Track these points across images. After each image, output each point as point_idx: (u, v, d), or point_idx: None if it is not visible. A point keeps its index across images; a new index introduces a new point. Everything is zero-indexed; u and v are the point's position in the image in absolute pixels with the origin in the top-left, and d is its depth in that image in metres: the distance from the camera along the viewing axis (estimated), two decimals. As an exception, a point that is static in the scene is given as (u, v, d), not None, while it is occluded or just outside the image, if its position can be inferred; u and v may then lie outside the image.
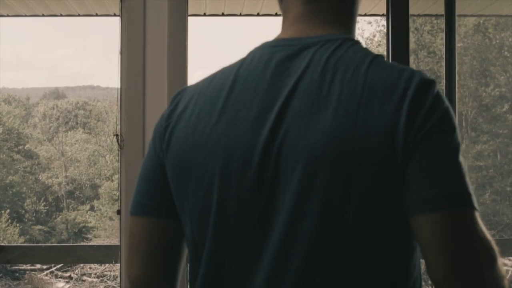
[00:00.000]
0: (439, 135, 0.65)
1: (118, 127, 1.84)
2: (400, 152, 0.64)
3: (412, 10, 1.76)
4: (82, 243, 15.46)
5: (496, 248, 0.66)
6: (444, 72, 1.99)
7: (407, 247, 0.69)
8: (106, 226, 17.52)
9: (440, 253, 0.63)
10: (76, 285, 8.13)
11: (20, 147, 21.23)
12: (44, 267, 8.30)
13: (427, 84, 0.67)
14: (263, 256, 0.69)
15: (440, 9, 1.97)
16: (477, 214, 0.65)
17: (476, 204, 0.66)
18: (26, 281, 8.27)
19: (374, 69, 0.69)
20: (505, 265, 4.59)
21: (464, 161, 0.69)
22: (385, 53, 1.96)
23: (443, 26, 1.98)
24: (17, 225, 17.52)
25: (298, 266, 0.67)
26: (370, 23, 16.51)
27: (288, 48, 0.73)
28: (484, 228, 0.66)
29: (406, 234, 0.68)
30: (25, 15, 2.85)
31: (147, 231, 0.79)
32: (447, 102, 0.69)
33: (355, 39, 0.76)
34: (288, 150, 0.67)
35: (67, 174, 21.46)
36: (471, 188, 0.67)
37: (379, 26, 16.35)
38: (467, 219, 0.64)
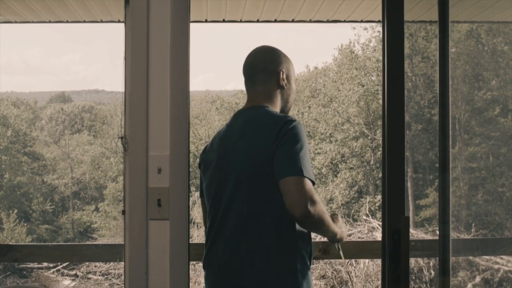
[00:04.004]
0: (287, 143, 1.51)
1: (123, 130, 1.87)
2: (272, 150, 1.52)
3: (407, 16, 1.79)
4: (87, 242, 15.57)
5: (316, 197, 1.46)
6: (438, 76, 1.99)
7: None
8: (110, 226, 17.61)
9: (286, 196, 1.46)
10: (81, 283, 8.20)
11: (28, 149, 21.37)
12: (51, 265, 8.38)
13: (287, 122, 1.54)
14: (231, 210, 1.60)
15: (434, 15, 2.00)
16: (305, 179, 1.46)
17: (306, 174, 1.46)
18: (33, 279, 8.34)
19: (266, 117, 1.61)
20: (497, 263, 4.59)
21: (305, 156, 1.50)
22: (380, 58, 2.00)
23: (437, 32, 1.98)
24: (25, 224, 17.64)
25: (237, 208, 1.58)
26: (366, 29, 16.63)
27: (243, 111, 1.69)
28: (310, 186, 1.47)
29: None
30: (33, 22, 2.89)
31: (203, 203, 1.76)
32: (296, 130, 1.53)
33: (268, 105, 1.67)
34: (235, 155, 1.62)
35: (73, 175, 21.58)
36: (305, 167, 1.48)
37: (374, 32, 16.48)
38: (296, 180, 1.45)
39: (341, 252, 1.79)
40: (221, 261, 1.59)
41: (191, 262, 1.94)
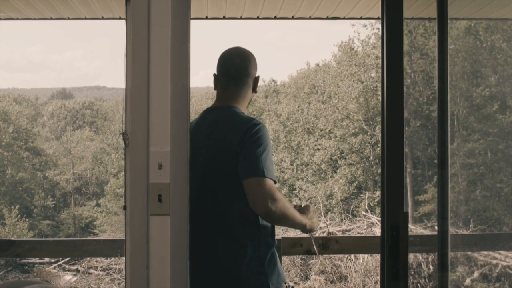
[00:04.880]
0: (250, 146, 1.66)
1: (124, 126, 1.90)
2: (238, 152, 1.67)
3: (406, 13, 1.80)
4: (88, 238, 15.64)
5: (277, 195, 1.62)
6: (436, 73, 1.99)
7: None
8: (111, 221, 17.67)
9: (249, 196, 1.63)
10: (83, 278, 8.24)
11: (29, 145, 21.40)
12: (52, 260, 8.42)
13: (252, 125, 1.69)
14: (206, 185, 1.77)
15: (433, 12, 2.01)
16: (266, 180, 1.62)
17: (267, 175, 1.62)
18: (35, 274, 8.37)
19: (234, 118, 1.75)
20: (495, 258, 4.62)
21: (267, 157, 1.65)
22: (380, 54, 2.02)
23: (435, 29, 1.97)
24: (26, 220, 17.70)
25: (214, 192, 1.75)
26: (365, 26, 16.76)
27: (213, 110, 1.83)
28: (270, 185, 1.62)
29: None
30: (34, 19, 2.90)
31: None
32: (260, 133, 1.68)
33: (237, 105, 1.80)
34: (209, 150, 1.75)
35: (74, 171, 21.62)
36: (267, 168, 1.63)
37: (374, 29, 16.58)
38: (258, 181, 1.62)
39: (313, 242, 1.89)
40: (198, 253, 1.74)
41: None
